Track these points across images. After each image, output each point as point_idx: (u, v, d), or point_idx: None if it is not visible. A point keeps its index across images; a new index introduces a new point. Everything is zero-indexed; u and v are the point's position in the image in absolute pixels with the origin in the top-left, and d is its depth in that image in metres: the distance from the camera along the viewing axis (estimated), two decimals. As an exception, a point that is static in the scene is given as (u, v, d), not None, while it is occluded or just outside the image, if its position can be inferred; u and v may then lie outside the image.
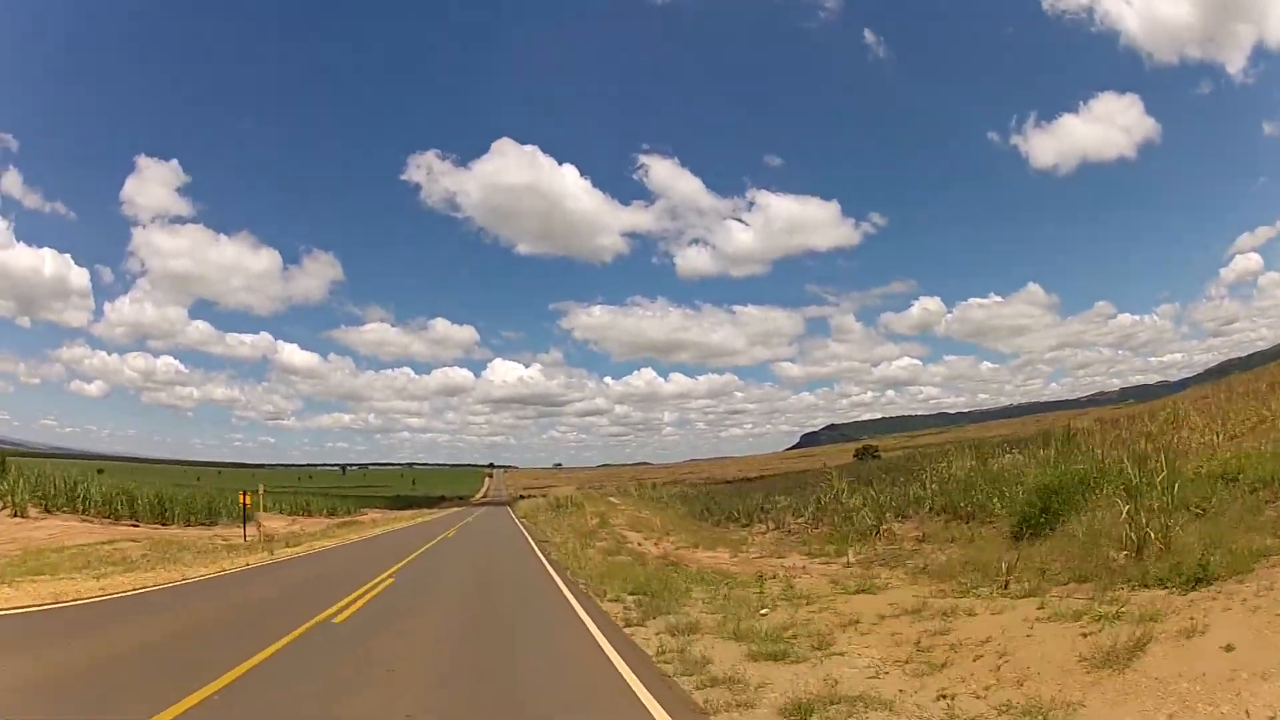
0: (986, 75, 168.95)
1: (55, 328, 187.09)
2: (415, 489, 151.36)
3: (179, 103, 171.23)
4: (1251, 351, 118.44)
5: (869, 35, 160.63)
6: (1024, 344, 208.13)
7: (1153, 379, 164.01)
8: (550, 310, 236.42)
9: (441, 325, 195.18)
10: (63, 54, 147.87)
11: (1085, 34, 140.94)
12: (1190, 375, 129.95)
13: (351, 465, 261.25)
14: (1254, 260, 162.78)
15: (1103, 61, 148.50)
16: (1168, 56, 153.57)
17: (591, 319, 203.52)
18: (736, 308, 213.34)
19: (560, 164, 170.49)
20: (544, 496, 54.34)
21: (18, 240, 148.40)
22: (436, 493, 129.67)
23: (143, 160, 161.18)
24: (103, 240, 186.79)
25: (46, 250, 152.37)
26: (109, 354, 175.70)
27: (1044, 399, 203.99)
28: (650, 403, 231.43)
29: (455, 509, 73.56)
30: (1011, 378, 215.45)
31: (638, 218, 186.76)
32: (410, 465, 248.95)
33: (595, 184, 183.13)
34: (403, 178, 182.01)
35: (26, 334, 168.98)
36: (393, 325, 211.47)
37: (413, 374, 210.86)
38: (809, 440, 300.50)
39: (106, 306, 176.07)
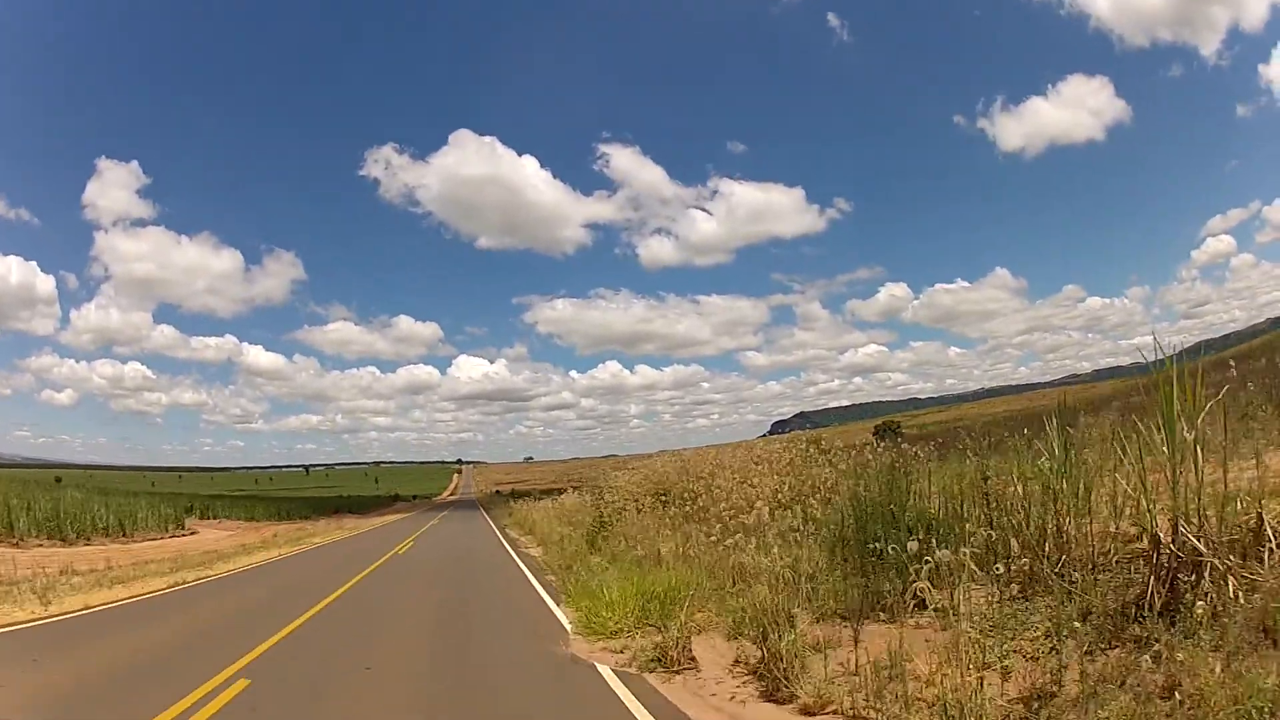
0: (953, 58, 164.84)
1: (24, 337, 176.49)
2: (378, 487, 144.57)
3: (136, 102, 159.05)
4: (1225, 333, 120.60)
5: (833, 19, 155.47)
6: (992, 328, 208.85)
7: (1124, 361, 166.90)
8: (513, 304, 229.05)
9: (405, 322, 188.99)
10: (17, 53, 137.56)
11: (1054, 16, 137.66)
12: (1162, 358, 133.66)
13: (316, 466, 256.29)
14: (1226, 242, 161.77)
15: (1072, 44, 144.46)
16: (1139, 39, 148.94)
17: (555, 312, 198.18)
18: (701, 298, 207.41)
19: (520, 155, 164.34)
20: (580, 494, 23.27)
21: None
22: (405, 492, 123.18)
23: (103, 162, 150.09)
24: (66, 245, 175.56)
25: (13, 258, 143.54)
26: (77, 362, 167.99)
27: (1014, 382, 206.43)
28: (616, 395, 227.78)
29: (400, 516, 53.23)
30: (980, 362, 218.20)
31: (599, 208, 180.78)
32: (377, 464, 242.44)
33: (556, 175, 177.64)
34: (361, 173, 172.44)
35: None
36: (356, 324, 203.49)
37: (378, 372, 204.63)
38: (780, 428, 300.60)
39: (73, 313, 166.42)
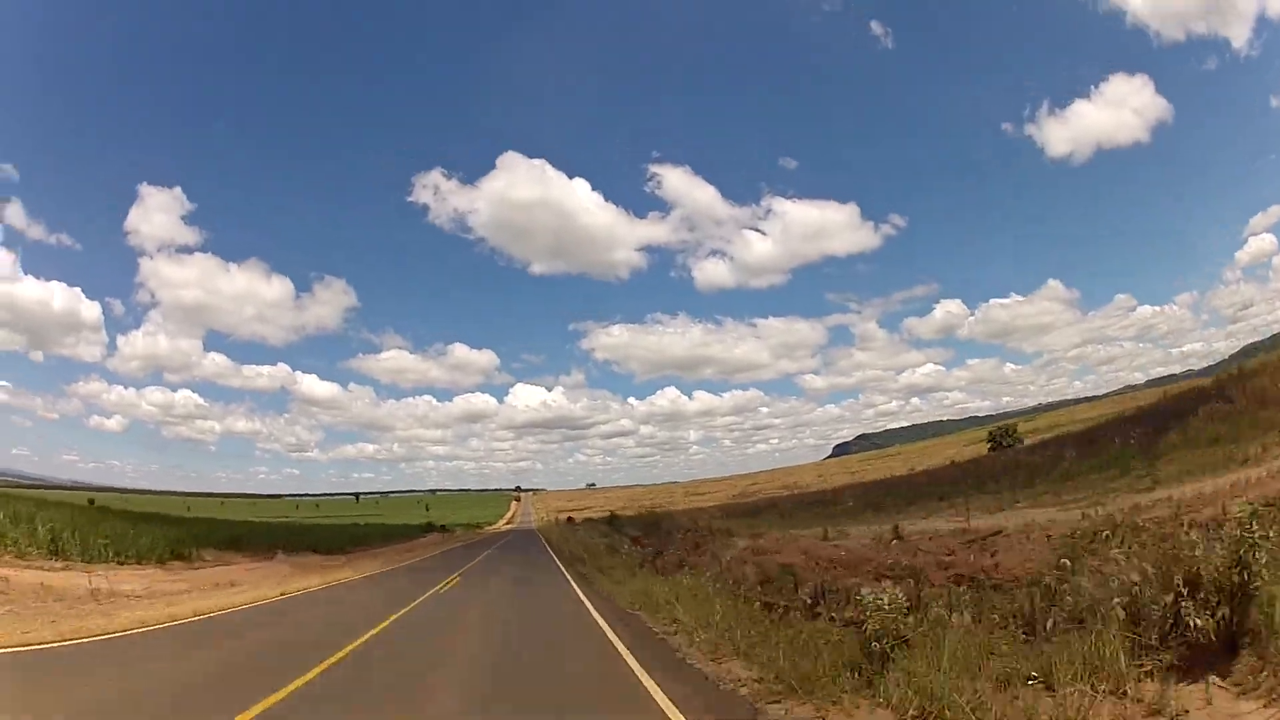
0: (997, 62, 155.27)
1: (69, 362, 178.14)
2: (428, 515, 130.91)
3: (177, 127, 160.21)
4: (1271, 334, 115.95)
5: (876, 27, 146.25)
6: (1047, 342, 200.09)
7: (1175, 369, 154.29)
8: (569, 331, 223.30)
9: (460, 350, 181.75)
10: (56, 78, 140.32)
11: (1093, 14, 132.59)
12: (1212, 364, 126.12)
13: (368, 494, 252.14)
14: (1268, 240, 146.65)
15: (1111, 41, 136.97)
16: (1174, 33, 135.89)
17: (611, 338, 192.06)
18: (758, 320, 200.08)
19: (571, 178, 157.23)
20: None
21: (25, 273, 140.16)
22: (455, 520, 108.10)
23: (145, 188, 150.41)
24: (111, 272, 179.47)
25: (55, 284, 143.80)
26: (125, 388, 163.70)
27: (1068, 397, 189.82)
28: (675, 421, 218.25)
29: (387, 567, 28.15)
30: (1035, 378, 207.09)
31: (653, 231, 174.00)
32: (433, 492, 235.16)
33: (608, 197, 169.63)
34: (409, 199, 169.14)
35: (40, 369, 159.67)
36: (411, 352, 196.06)
37: (434, 401, 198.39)
38: (841, 450, 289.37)
39: (120, 340, 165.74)
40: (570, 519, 56.80)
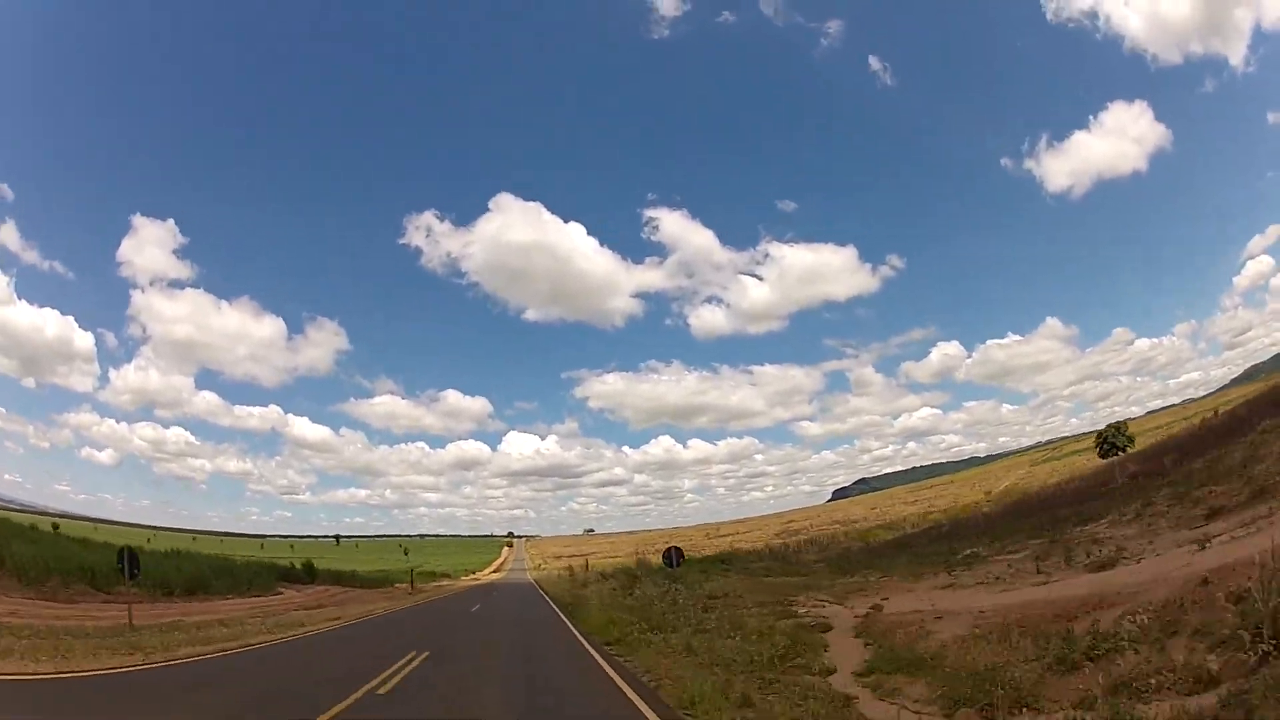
0: (996, 94, 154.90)
1: (61, 391, 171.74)
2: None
3: (171, 159, 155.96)
4: (1271, 355, 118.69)
5: (875, 62, 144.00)
6: (1044, 381, 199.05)
7: (1174, 400, 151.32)
8: (563, 379, 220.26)
9: (453, 397, 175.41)
10: (52, 100, 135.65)
11: (1091, 42, 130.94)
12: (1207, 393, 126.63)
13: (348, 536, 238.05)
14: (1265, 263, 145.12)
15: (1110, 69, 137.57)
16: (1172, 55, 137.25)
17: (606, 386, 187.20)
18: (754, 368, 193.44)
19: (566, 221, 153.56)
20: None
21: (19, 298, 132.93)
22: (439, 567, 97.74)
23: (138, 219, 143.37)
24: (103, 302, 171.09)
25: (49, 311, 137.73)
26: (117, 422, 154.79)
27: (1065, 434, 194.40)
28: (670, 470, 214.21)
29: None
30: (1032, 417, 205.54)
31: (649, 276, 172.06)
32: (422, 536, 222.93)
33: (604, 242, 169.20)
34: (401, 241, 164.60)
35: (32, 395, 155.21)
36: (403, 398, 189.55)
37: (427, 448, 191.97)
38: (840, 495, 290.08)
39: (112, 373, 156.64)
40: (641, 557, 49.18)
